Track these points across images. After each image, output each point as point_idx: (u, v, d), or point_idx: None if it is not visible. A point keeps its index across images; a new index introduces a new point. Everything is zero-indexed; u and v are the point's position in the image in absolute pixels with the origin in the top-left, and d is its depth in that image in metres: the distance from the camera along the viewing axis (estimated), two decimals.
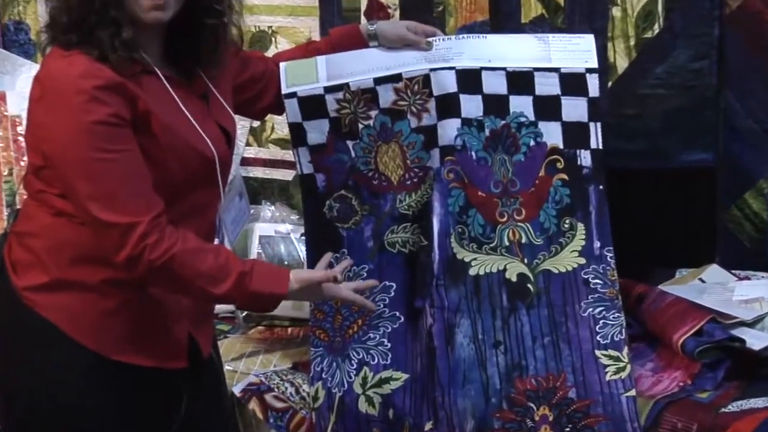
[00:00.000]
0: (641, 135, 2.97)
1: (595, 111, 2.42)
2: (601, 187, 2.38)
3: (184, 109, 2.11)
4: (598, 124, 2.41)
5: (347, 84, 2.41)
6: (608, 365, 2.28)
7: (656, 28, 2.88)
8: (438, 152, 2.39)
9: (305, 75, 2.44)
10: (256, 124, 3.46)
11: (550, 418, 2.25)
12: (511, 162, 2.39)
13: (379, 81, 2.41)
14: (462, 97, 2.38)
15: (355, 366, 2.43)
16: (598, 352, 2.29)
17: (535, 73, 2.39)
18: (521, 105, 2.39)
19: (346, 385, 2.42)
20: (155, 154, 2.05)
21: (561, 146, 2.40)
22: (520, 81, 2.40)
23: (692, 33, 2.84)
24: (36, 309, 2.08)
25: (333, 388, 2.44)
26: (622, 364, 2.28)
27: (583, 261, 2.36)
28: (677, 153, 2.94)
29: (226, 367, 2.66)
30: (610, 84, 2.96)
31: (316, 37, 3.29)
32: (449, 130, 2.38)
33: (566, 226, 2.37)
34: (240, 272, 2.08)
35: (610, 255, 2.36)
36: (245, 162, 3.50)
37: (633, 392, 2.26)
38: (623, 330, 2.31)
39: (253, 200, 3.16)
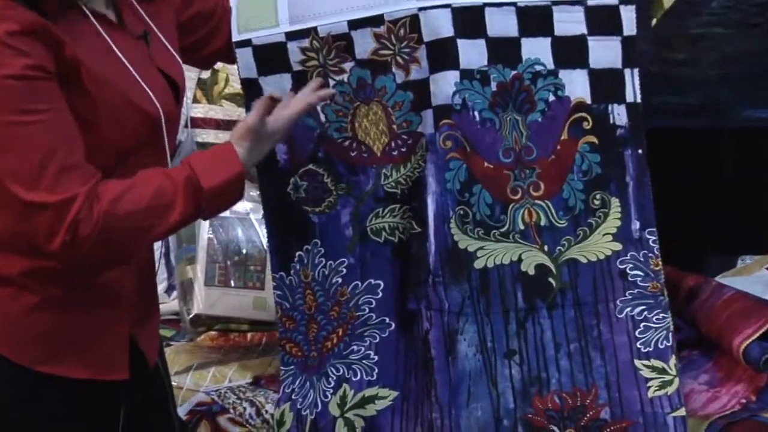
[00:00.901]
0: (693, 86, 2.99)
1: (632, 54, 2.39)
2: (640, 151, 2.37)
3: (120, 55, 2.10)
4: (636, 71, 2.39)
5: (314, 28, 2.40)
6: (651, 379, 2.28)
7: None
8: (431, 114, 2.38)
9: (262, 17, 2.43)
10: (206, 74, 3.46)
11: None
12: (524, 123, 2.39)
13: (354, 24, 2.39)
14: (460, 42, 2.36)
15: (333, 384, 2.44)
16: (638, 363, 2.29)
17: (554, 8, 2.37)
18: (536, 50, 2.38)
19: (319, 406, 2.42)
20: (87, 113, 2.04)
21: (588, 101, 2.39)
22: (535, 19, 2.38)
23: None
24: None
25: (303, 409, 2.44)
26: (668, 378, 2.28)
27: (618, 247, 2.36)
28: (738, 109, 2.99)
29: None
30: (654, 21, 2.91)
31: None
32: (445, 85, 2.38)
33: (597, 202, 2.37)
34: (183, 180, 2.10)
35: (653, 238, 2.36)
36: (192, 123, 3.49)
37: (683, 411, 2.26)
38: (670, 335, 2.31)
39: None
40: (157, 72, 2.19)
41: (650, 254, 2.34)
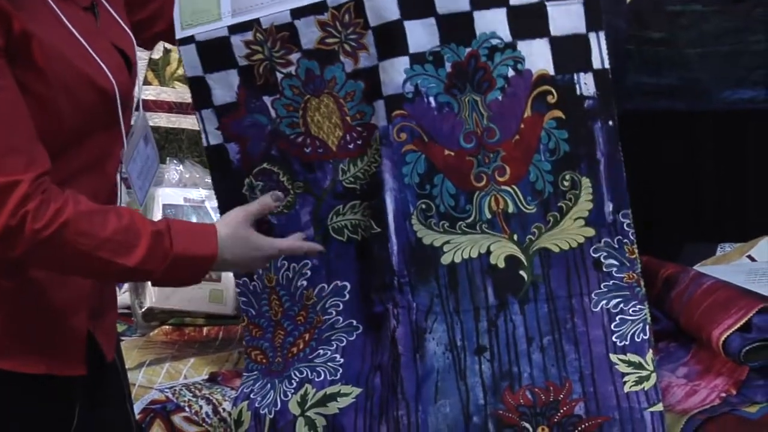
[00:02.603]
0: (671, 66, 2.99)
1: (596, 16, 2.32)
2: (611, 123, 2.33)
3: (71, 27, 2.08)
4: (602, 35, 2.33)
5: (257, 20, 2.37)
6: (627, 373, 2.27)
7: None
8: (383, 105, 2.36)
9: (205, 11, 2.40)
10: (158, 55, 3.44)
11: None
12: (484, 103, 2.35)
13: (297, 13, 2.36)
14: (407, 24, 2.32)
15: (295, 384, 2.43)
16: (614, 357, 2.29)
17: None
18: (491, 22, 2.32)
19: (279, 405, 2.41)
20: (39, 91, 2.02)
21: (552, 72, 2.34)
22: None
23: None
24: None
25: (262, 408, 2.43)
26: (645, 373, 2.27)
27: (591, 232, 2.34)
28: (719, 90, 2.97)
29: None
30: None
31: None
32: (394, 73, 2.34)
33: (566, 183, 2.34)
34: (154, 232, 2.08)
35: (628, 222, 2.34)
36: (144, 106, 3.46)
37: (660, 406, 2.25)
38: (647, 327, 2.30)
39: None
40: (110, 44, 2.17)
41: (625, 240, 2.32)
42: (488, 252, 2.34)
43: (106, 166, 2.19)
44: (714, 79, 2.98)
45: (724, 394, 2.31)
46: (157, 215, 3.03)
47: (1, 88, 1.97)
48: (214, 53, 2.40)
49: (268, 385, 2.45)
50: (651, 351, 2.28)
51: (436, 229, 2.34)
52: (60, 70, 2.03)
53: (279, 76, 2.39)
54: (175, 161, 3.25)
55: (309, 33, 2.36)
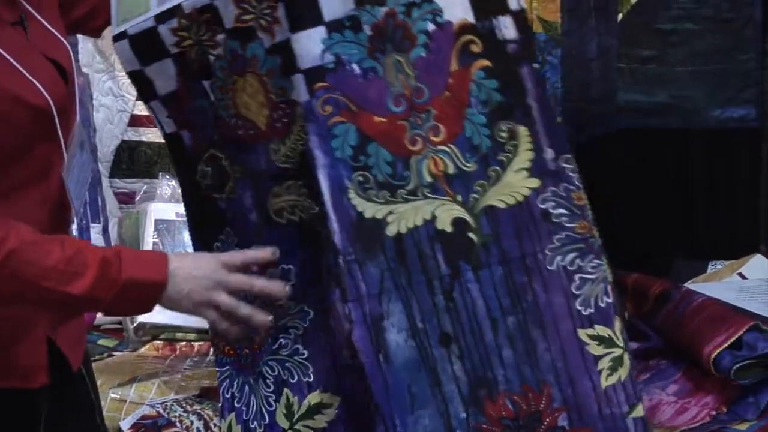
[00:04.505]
0: (662, 85, 3.01)
1: None
2: (535, 65, 2.25)
3: None
4: None
5: (179, 6, 2.33)
6: (600, 357, 2.19)
7: None
8: (302, 79, 2.30)
9: (137, 3, 2.38)
10: None
11: None
12: (409, 63, 2.27)
13: None
14: None
15: (272, 387, 2.39)
16: (582, 334, 2.19)
17: None
18: None
19: (266, 417, 2.38)
20: None
21: (472, 20, 2.29)
22: None
23: None
24: None
25: (251, 422, 2.40)
26: (617, 351, 2.17)
27: (536, 183, 2.20)
28: (709, 109, 2.99)
29: (111, 395, 2.67)
30: (620, 16, 3.01)
31: None
32: (311, 44, 2.24)
33: (503, 135, 2.21)
34: (101, 259, 2.04)
35: (571, 167, 2.21)
36: (137, 121, 3.48)
37: (641, 410, 2.19)
38: (608, 287, 2.19)
39: (148, 173, 3.14)
40: (42, 58, 2.15)
41: (571, 186, 2.21)
42: (434, 217, 2.23)
43: (51, 177, 2.17)
44: (705, 97, 3.00)
45: (714, 412, 2.31)
46: (149, 230, 3.04)
47: None
48: (146, 45, 2.35)
49: (247, 388, 2.41)
50: (618, 320, 2.21)
51: (376, 200, 2.25)
52: None
53: (211, 59, 2.35)
54: (167, 176, 3.24)
55: (228, 12, 2.30)
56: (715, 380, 2.34)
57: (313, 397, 2.32)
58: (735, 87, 2.96)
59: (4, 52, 2.04)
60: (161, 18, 2.32)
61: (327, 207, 2.22)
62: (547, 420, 2.17)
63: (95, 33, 2.56)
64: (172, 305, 2.16)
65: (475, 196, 2.19)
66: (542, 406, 2.17)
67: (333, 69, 2.21)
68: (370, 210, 2.22)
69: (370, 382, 2.19)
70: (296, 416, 2.34)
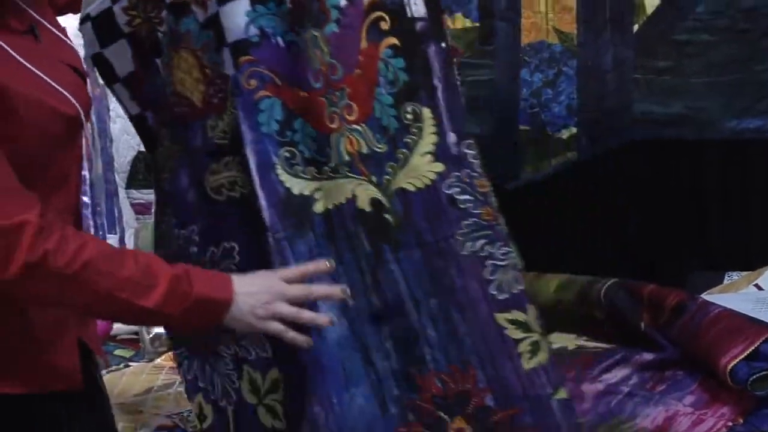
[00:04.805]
0: (677, 95, 3.02)
1: None
2: (443, 44, 2.17)
3: (19, 58, 2.04)
4: None
5: None
6: (519, 340, 2.16)
7: None
8: (228, 53, 2.25)
9: None
10: None
11: None
12: (324, 38, 2.21)
13: None
14: None
15: (231, 365, 2.36)
16: (500, 317, 2.15)
17: None
18: None
19: (233, 395, 2.36)
20: (13, 134, 2.01)
21: None
22: None
23: None
24: None
25: (220, 401, 2.37)
26: (534, 337, 2.15)
27: (440, 167, 2.17)
28: (724, 119, 2.99)
29: (128, 405, 2.69)
30: (635, 27, 3.01)
31: None
32: (235, 17, 2.23)
33: (409, 116, 2.17)
34: (173, 275, 2.05)
35: (473, 153, 2.17)
36: None
37: (563, 392, 2.16)
38: (519, 275, 2.17)
39: None
40: (63, 65, 2.16)
41: (473, 173, 2.17)
42: (354, 196, 2.18)
43: (70, 185, 2.19)
44: (720, 108, 3.00)
45: (731, 423, 2.29)
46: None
47: None
48: (104, 26, 2.34)
49: (207, 367, 2.38)
50: (532, 306, 2.16)
51: (303, 176, 2.19)
52: (27, 107, 2.03)
53: (159, 35, 2.33)
54: None
55: None
56: (732, 391, 2.33)
57: (273, 374, 2.29)
58: (751, 98, 2.96)
59: (28, 64, 2.05)
60: None
61: (255, 183, 2.17)
62: (475, 400, 2.14)
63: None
64: (236, 323, 2.16)
65: (387, 177, 2.14)
66: (469, 386, 2.14)
67: (257, 42, 2.17)
68: (297, 186, 2.17)
69: (304, 356, 2.16)
70: (263, 391, 2.31)
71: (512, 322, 2.13)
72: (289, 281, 2.19)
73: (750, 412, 2.30)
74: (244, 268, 2.25)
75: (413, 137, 2.16)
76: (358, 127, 2.18)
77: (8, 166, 1.99)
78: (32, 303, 2.06)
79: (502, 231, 2.15)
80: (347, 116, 2.18)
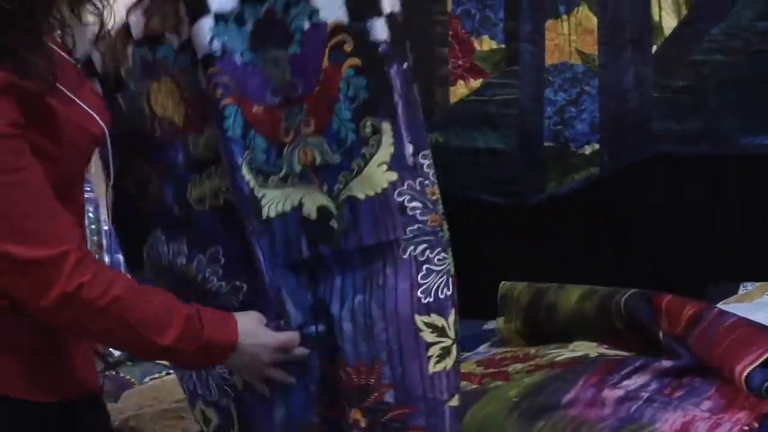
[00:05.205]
0: (694, 113, 3.03)
1: None
2: (405, 65, 2.23)
3: (60, 86, 2.05)
4: None
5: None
6: (432, 344, 2.20)
7: None
8: (200, 67, 2.29)
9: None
10: None
11: (362, 425, 2.21)
12: (286, 59, 2.28)
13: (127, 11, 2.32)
14: None
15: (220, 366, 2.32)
16: (419, 319, 2.19)
17: None
18: None
19: (230, 390, 2.37)
20: (51, 153, 2.05)
21: (345, 20, 2.25)
22: None
23: None
24: None
25: (219, 400, 2.40)
26: (446, 342, 2.19)
27: (394, 177, 2.23)
28: (739, 136, 3.01)
29: (169, 414, 2.73)
30: (654, 48, 3.03)
31: None
32: (202, 34, 2.28)
33: (368, 130, 2.24)
34: (186, 315, 2.08)
35: (428, 163, 2.23)
36: None
37: (456, 400, 2.18)
38: (451, 281, 2.21)
39: None
40: (84, 86, 2.19)
41: (426, 182, 2.22)
42: (301, 204, 2.26)
43: (78, 198, 2.22)
44: (735, 125, 2.99)
45: (746, 428, 2.29)
46: None
47: (26, 167, 1.99)
48: (89, 70, 2.36)
49: (202, 373, 2.39)
50: (454, 312, 2.19)
51: (256, 181, 2.27)
52: (70, 129, 2.06)
53: (123, 72, 2.34)
54: None
55: (137, 25, 2.32)
56: (747, 397, 2.33)
57: None
58: (765, 115, 2.96)
59: (60, 86, 2.06)
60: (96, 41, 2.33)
61: (231, 184, 2.24)
62: (375, 395, 2.16)
63: None
64: (232, 368, 2.23)
65: (339, 186, 2.21)
66: (372, 381, 2.17)
67: (220, 56, 2.23)
68: (257, 189, 2.25)
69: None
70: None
71: (429, 325, 2.18)
72: (281, 351, 2.24)
73: (765, 416, 2.29)
74: (230, 268, 2.32)
75: (370, 149, 2.23)
76: (314, 139, 2.24)
77: (51, 192, 2.00)
78: (58, 329, 2.06)
79: (444, 237, 2.20)
80: (304, 129, 2.25)
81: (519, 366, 2.60)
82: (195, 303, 2.15)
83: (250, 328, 2.21)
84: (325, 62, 2.24)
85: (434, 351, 2.18)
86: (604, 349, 2.63)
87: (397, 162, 2.21)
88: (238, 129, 2.27)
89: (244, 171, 2.26)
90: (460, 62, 3.11)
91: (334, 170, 2.24)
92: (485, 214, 3.16)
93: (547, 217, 3.11)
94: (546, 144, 3.14)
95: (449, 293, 2.19)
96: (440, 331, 2.18)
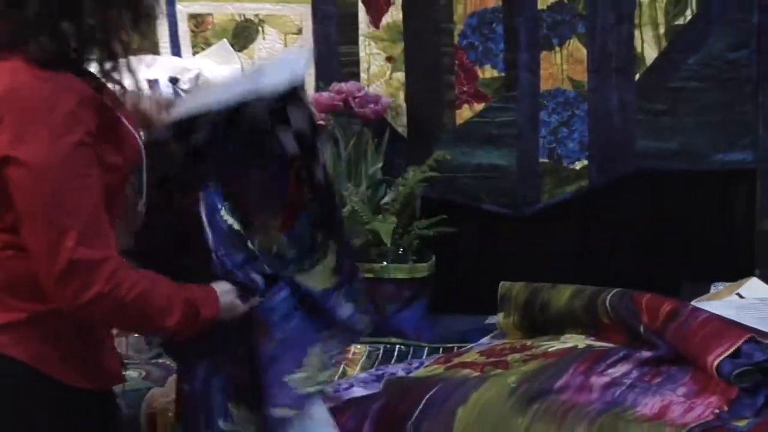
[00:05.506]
0: (672, 133, 3.01)
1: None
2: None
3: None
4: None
5: None
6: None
7: (688, 14, 2.93)
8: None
9: None
10: None
11: None
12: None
13: None
14: None
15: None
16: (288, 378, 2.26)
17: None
18: None
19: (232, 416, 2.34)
20: (114, 163, 2.05)
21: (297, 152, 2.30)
22: None
23: (729, 19, 2.90)
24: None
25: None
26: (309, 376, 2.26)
27: (333, 282, 2.35)
28: (712, 153, 2.99)
29: None
30: (637, 76, 3.00)
31: (307, 27, 3.32)
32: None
33: (319, 239, 2.35)
34: (185, 299, 2.10)
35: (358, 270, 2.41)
36: None
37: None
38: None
39: None
40: (124, 107, 2.15)
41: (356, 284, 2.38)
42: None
43: (117, 204, 2.18)
44: (709, 144, 2.98)
45: (717, 411, 2.30)
46: None
47: (93, 175, 1.97)
48: None
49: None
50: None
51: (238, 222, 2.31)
52: (127, 144, 2.07)
53: None
54: None
55: None
56: (718, 384, 2.34)
57: None
58: (735, 135, 2.95)
59: (114, 109, 2.06)
60: None
61: (204, 223, 2.26)
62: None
63: None
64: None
65: (286, 274, 2.29)
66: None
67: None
68: (236, 224, 2.27)
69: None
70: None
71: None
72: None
73: (733, 401, 2.31)
74: None
75: (320, 256, 2.32)
76: (276, 234, 2.31)
77: (102, 199, 2.00)
78: (86, 322, 2.06)
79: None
80: (271, 222, 2.32)
81: (517, 356, 2.60)
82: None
83: (225, 298, 2.21)
84: (292, 183, 2.30)
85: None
86: (591, 341, 2.62)
87: (338, 269, 2.32)
88: (219, 188, 2.28)
89: (223, 212, 2.27)
90: (465, 88, 3.11)
91: (286, 262, 2.30)
92: (487, 221, 3.16)
93: (541, 224, 3.12)
94: (541, 160, 3.12)
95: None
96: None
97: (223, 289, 2.19)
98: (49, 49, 1.96)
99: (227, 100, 2.23)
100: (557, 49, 3.05)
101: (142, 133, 2.21)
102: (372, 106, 3.12)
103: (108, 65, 2.06)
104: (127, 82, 2.11)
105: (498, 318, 2.88)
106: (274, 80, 2.22)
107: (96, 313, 2.01)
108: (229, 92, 2.25)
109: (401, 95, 3.23)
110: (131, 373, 2.86)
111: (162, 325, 2.08)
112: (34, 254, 1.98)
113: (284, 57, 2.47)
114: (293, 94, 2.22)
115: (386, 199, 3.05)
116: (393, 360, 2.91)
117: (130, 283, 2.00)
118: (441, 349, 2.95)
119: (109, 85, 2.08)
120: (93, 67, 2.07)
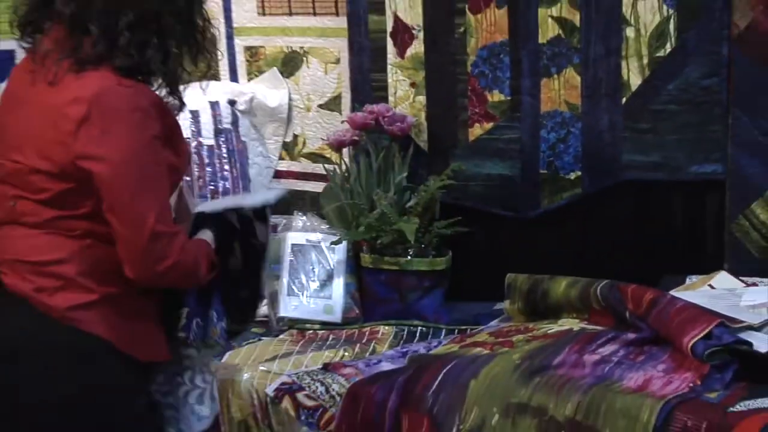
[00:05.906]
0: (654, 148, 3.00)
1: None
2: None
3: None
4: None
5: None
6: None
7: (668, 47, 2.91)
8: None
9: None
10: (289, 138, 3.50)
11: None
12: None
13: None
14: None
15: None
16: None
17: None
18: None
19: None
20: (175, 164, 2.09)
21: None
22: None
23: (703, 51, 2.87)
24: (78, 326, 2.07)
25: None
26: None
27: None
28: (688, 165, 2.97)
29: (261, 368, 2.68)
30: (624, 100, 2.99)
31: (344, 58, 3.35)
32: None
33: None
34: (206, 252, 2.18)
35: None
36: (279, 175, 3.53)
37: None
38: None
39: (286, 210, 3.18)
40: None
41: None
42: None
43: None
44: (686, 158, 2.96)
45: (692, 384, 2.29)
46: (287, 251, 3.09)
47: (160, 162, 2.01)
48: None
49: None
50: None
51: None
52: (183, 150, 2.12)
53: None
54: (300, 213, 3.25)
55: None
56: (692, 362, 2.34)
57: None
58: (707, 150, 2.93)
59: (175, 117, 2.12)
60: None
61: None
62: None
63: None
64: None
65: None
66: None
67: None
68: None
69: None
70: None
71: None
72: None
73: (706, 376, 2.30)
74: None
75: None
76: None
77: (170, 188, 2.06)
78: (156, 287, 2.11)
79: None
80: None
81: (521, 336, 2.61)
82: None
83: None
84: None
85: None
86: (584, 325, 2.62)
87: None
88: None
89: None
90: (476, 110, 3.12)
91: None
92: (495, 223, 3.16)
93: (541, 226, 3.11)
94: (541, 171, 3.12)
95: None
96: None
97: (209, 237, 2.25)
98: (132, 64, 1.98)
99: (220, 205, 2.41)
100: (555, 76, 3.04)
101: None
102: (399, 124, 3.13)
103: (171, 86, 2.09)
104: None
105: (505, 304, 2.87)
106: (253, 201, 2.47)
107: (169, 278, 2.06)
108: (221, 204, 2.45)
109: (423, 115, 3.23)
110: None
111: (199, 280, 2.15)
112: (121, 233, 2.02)
113: (265, 191, 2.85)
114: (262, 211, 2.42)
115: (410, 203, 3.06)
116: (416, 339, 2.92)
117: (193, 252, 2.08)
118: (456, 331, 2.95)
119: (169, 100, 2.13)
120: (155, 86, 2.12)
